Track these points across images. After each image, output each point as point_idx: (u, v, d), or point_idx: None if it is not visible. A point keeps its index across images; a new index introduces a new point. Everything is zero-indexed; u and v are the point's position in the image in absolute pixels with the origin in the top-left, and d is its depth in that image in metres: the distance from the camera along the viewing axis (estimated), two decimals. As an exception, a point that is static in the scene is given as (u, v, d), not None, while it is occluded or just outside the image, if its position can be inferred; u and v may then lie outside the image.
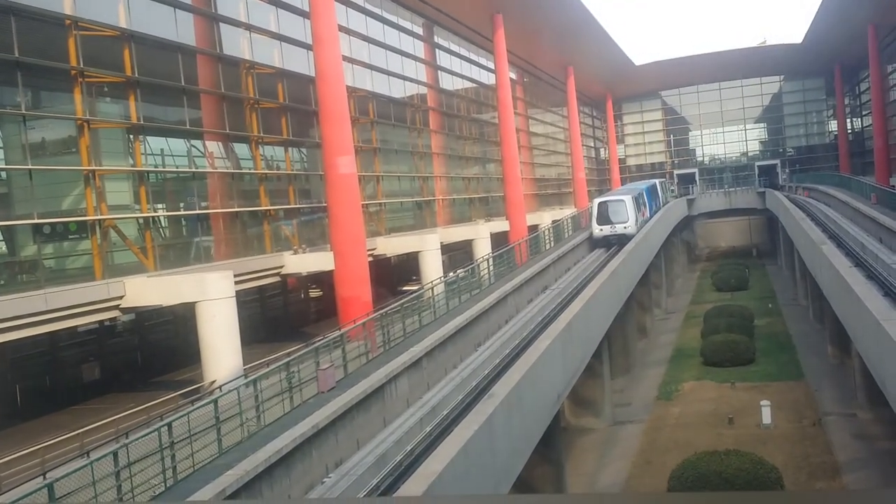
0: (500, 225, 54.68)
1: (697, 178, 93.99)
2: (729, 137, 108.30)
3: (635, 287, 46.48)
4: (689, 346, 48.64)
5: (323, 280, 38.60)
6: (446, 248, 45.01)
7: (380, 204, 44.11)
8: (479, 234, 49.10)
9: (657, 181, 73.39)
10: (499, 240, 50.24)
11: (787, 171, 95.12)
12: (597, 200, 53.80)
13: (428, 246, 40.88)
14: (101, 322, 28.41)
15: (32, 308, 21.60)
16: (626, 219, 51.40)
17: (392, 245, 41.50)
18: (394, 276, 47.03)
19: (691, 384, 40.60)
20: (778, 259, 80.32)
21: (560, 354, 25.87)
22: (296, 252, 34.36)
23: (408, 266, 45.78)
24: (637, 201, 55.01)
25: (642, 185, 65.55)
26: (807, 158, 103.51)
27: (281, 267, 33.50)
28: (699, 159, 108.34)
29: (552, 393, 25.27)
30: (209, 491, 14.57)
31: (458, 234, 49.10)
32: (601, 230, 51.79)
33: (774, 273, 77.06)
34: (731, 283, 68.62)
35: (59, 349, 29.67)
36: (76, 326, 26.20)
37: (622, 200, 52.25)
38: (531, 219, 57.77)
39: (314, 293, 44.65)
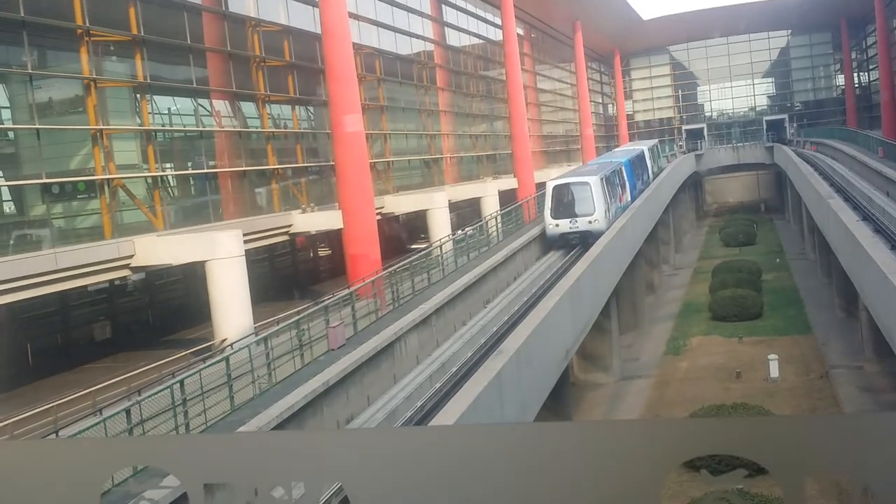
0: (508, 182, 54.56)
1: (706, 133, 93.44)
2: (737, 92, 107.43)
3: (643, 243, 46.46)
4: (697, 301, 48.74)
5: (331, 239, 38.68)
6: (454, 206, 44.97)
7: (387, 162, 44.02)
8: (487, 192, 49.02)
9: (646, 147, 59.79)
10: (507, 197, 50.18)
11: (794, 125, 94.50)
12: (552, 183, 39.54)
13: (436, 204, 40.86)
14: (111, 281, 28.58)
15: (42, 267, 21.70)
16: (592, 209, 37.13)
17: (400, 203, 41.48)
18: (402, 234, 47.08)
19: (699, 339, 40.77)
20: (786, 214, 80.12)
21: (568, 311, 25.97)
22: (304, 211, 34.39)
23: (416, 224, 45.80)
24: (610, 182, 40.95)
25: (622, 156, 51.43)
26: (814, 113, 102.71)
27: (289, 226, 33.55)
28: (707, 115, 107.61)
29: (561, 349, 25.42)
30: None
31: (466, 191, 49.03)
32: (556, 225, 37.75)
33: (782, 228, 76.91)
34: (738, 238, 68.51)
35: (69, 308, 29.88)
36: (87, 286, 26.35)
37: (586, 183, 37.93)
38: (539, 176, 57.59)
39: (323, 252, 44.78)
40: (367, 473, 1.52)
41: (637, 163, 51.69)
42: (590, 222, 37.05)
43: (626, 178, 45.61)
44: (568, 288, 26.18)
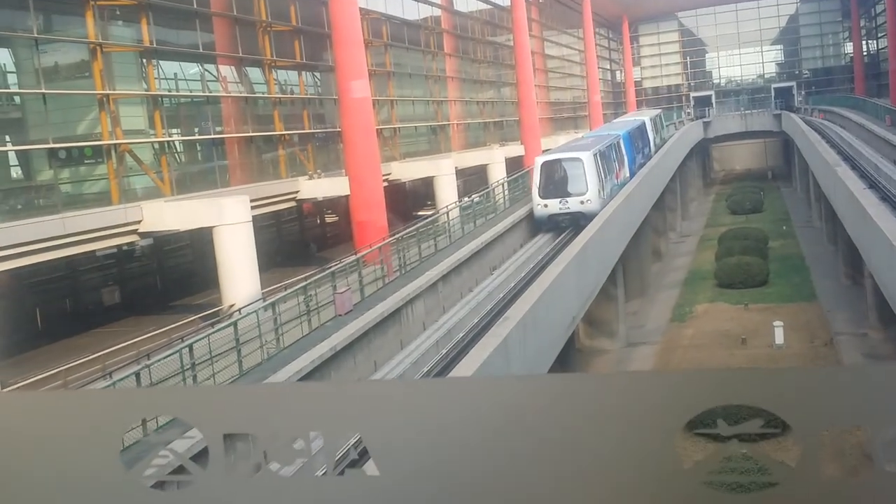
0: (515, 149, 54.38)
1: (714, 100, 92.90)
2: (745, 60, 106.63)
3: (650, 211, 46.39)
4: (703, 268, 48.73)
5: (338, 205, 38.68)
6: (461, 173, 44.89)
7: (394, 129, 43.89)
8: (494, 159, 48.89)
9: (647, 117, 56.54)
10: (514, 165, 50.05)
11: (802, 93, 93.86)
12: (540, 159, 36.57)
13: (442, 171, 40.80)
14: (119, 247, 28.66)
15: (50, 232, 21.75)
16: (585, 188, 34.13)
17: (407, 170, 41.43)
18: (409, 201, 47.05)
19: (705, 306, 40.82)
20: (793, 181, 79.83)
21: (574, 277, 26.01)
22: (311, 177, 34.37)
23: (423, 191, 45.76)
24: (606, 157, 37.85)
25: (621, 127, 47.93)
26: (823, 81, 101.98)
27: (296, 192, 33.55)
28: (715, 82, 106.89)
29: (567, 315, 25.49)
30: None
31: (472, 158, 48.91)
32: (545, 206, 34.70)
33: (789, 195, 76.66)
34: (745, 205, 68.33)
35: (78, 273, 30.01)
36: (95, 251, 26.44)
37: (578, 159, 34.83)
38: (546, 143, 57.39)
39: (330, 218, 44.80)
40: (385, 424, 1.54)
41: (637, 135, 48.62)
42: (582, 202, 33.74)
43: (624, 151, 42.57)
44: (574, 255, 26.19)
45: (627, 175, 42.18)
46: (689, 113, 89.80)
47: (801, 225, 60.62)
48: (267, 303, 21.90)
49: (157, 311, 27.73)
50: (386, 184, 35.97)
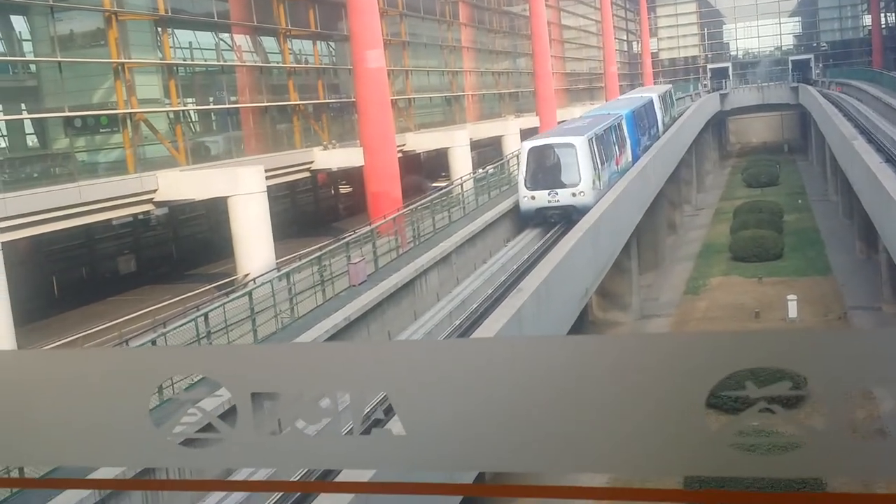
0: (531, 121, 54.13)
1: (731, 72, 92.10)
2: (763, 31, 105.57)
3: (665, 183, 46.17)
4: (717, 241, 48.58)
5: (353, 176, 38.67)
6: (475, 145, 44.75)
7: (409, 99, 43.73)
8: (509, 131, 48.69)
9: (656, 94, 52.25)
10: (529, 136, 49.82)
11: (820, 65, 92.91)
12: (528, 144, 31.89)
13: (457, 142, 40.68)
14: (135, 216, 28.78)
15: (66, 201, 21.85)
16: (577, 178, 29.86)
17: (421, 141, 41.32)
18: (423, 172, 46.98)
19: (719, 279, 40.74)
20: (809, 155, 79.25)
21: (588, 250, 25.97)
22: (325, 148, 34.34)
23: (437, 162, 45.67)
24: (604, 141, 33.70)
25: (624, 106, 43.26)
26: (840, 53, 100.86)
27: (311, 162, 33.55)
28: (733, 53, 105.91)
29: (580, 287, 25.48)
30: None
31: (487, 130, 48.72)
32: (532, 198, 30.39)
33: (805, 169, 76.14)
34: (761, 179, 67.90)
35: (94, 242, 30.18)
36: (111, 220, 26.56)
37: (570, 145, 30.45)
38: (562, 114, 57.09)
39: (344, 189, 44.81)
40: (410, 383, 1.55)
41: (643, 114, 44.63)
42: (574, 195, 29.54)
43: (626, 134, 38.58)
44: (588, 227, 26.14)
45: (630, 160, 38.22)
46: (705, 85, 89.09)
47: (816, 198, 60.26)
48: (281, 272, 21.99)
49: (173, 279, 27.89)
50: (400, 155, 35.90)
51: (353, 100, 34.35)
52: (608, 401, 1.49)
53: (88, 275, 29.67)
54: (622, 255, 33.44)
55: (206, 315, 17.57)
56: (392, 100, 35.98)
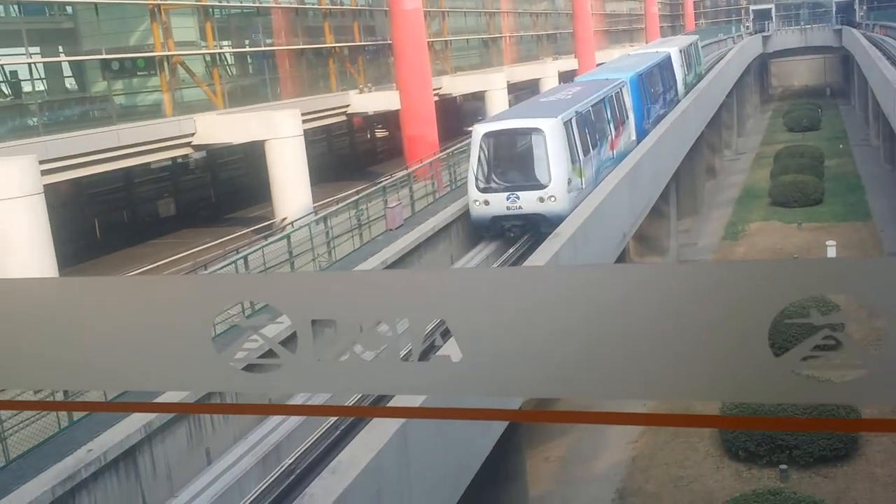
0: (569, 63, 53.43)
1: (774, 14, 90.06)
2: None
3: (705, 128, 45.53)
4: (757, 186, 47.97)
5: (389, 119, 38.56)
6: (513, 88, 44.34)
7: (445, 41, 43.32)
8: (547, 73, 48.17)
9: (676, 48, 41.42)
10: (566, 79, 49.26)
11: (864, 7, 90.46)
12: (481, 128, 22.92)
13: (494, 85, 40.33)
14: (174, 159, 29.00)
15: (105, 144, 22.07)
16: (546, 178, 21.85)
17: (458, 84, 41.01)
18: (459, 115, 46.72)
19: (758, 224, 40.33)
20: (851, 99, 77.65)
21: (626, 194, 25.77)
22: (361, 91, 34.23)
23: (474, 106, 45.36)
24: (589, 122, 25.05)
25: (631, 67, 33.65)
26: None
27: (347, 106, 33.48)
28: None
29: (618, 232, 25.35)
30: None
31: (524, 72, 48.20)
32: (486, 203, 22.23)
33: (847, 113, 74.63)
34: (802, 123, 66.72)
35: (134, 185, 30.50)
36: (150, 163, 26.79)
37: (537, 130, 22.07)
38: (600, 56, 56.26)
39: (380, 133, 44.72)
40: (468, 310, 1.57)
41: (655, 76, 35.35)
42: (541, 199, 21.73)
43: (628, 105, 30.10)
44: (627, 172, 25.90)
45: (633, 138, 29.95)
46: (747, 27, 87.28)
47: (858, 143, 59.16)
48: (318, 216, 22.09)
49: (212, 223, 28.16)
50: (437, 98, 35.69)
51: (389, 42, 34.12)
52: (673, 327, 1.49)
53: (129, 218, 30.04)
54: (660, 200, 33.16)
55: (245, 258, 17.74)
56: (428, 42, 35.67)
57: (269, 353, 1.70)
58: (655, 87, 35.31)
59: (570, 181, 22.36)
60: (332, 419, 13.66)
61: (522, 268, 1.69)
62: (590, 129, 24.94)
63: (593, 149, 25.05)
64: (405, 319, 1.63)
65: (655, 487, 17.87)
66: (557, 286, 1.55)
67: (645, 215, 29.92)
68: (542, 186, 21.84)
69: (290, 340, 1.70)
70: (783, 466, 17.35)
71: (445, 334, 1.70)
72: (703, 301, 1.47)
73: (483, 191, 22.31)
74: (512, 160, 23.01)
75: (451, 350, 1.64)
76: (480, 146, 22.28)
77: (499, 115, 26.12)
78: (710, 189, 49.66)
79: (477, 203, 22.39)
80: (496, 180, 22.38)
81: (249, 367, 1.74)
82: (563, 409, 1.81)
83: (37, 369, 1.91)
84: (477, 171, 22.26)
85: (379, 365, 1.66)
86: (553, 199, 21.82)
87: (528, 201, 21.87)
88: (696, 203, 44.47)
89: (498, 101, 39.68)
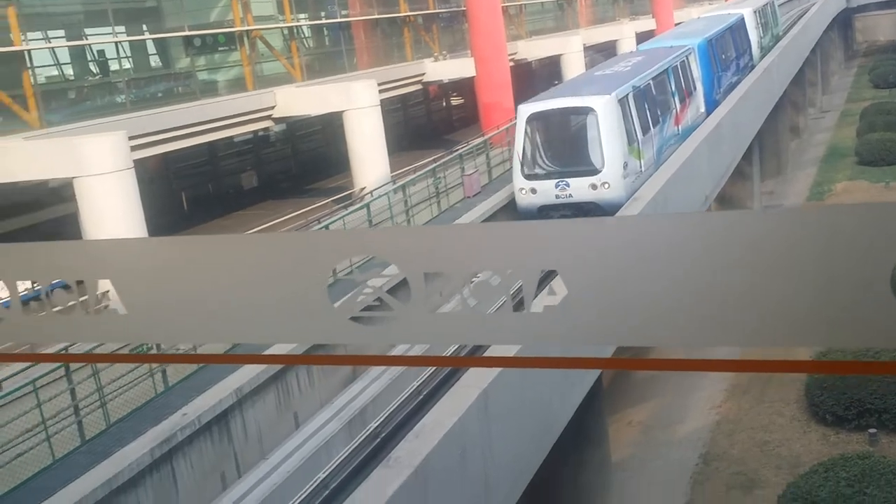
0: (647, 24, 52.44)
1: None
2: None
3: (788, 85, 44.33)
4: (843, 145, 46.63)
5: (464, 87, 38.50)
6: (589, 50, 43.75)
7: (520, 5, 42.94)
8: (624, 34, 47.33)
9: (750, 9, 37.29)
10: (644, 40, 48.39)
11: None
12: (526, 109, 20.68)
13: (570, 48, 39.85)
14: (255, 133, 29.52)
15: (189, 119, 22.59)
16: (600, 162, 19.82)
17: (533, 48, 40.66)
18: (535, 80, 46.36)
19: (844, 184, 39.27)
20: (944, 52, 74.57)
21: (708, 156, 25.36)
22: (436, 59, 34.22)
23: (549, 70, 44.95)
24: (650, 97, 22.86)
25: (698, 33, 30.58)
26: None
27: (422, 75, 33.52)
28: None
29: (699, 194, 24.99)
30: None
31: (601, 34, 47.49)
32: (532, 192, 20.37)
33: (940, 67, 71.73)
34: (889, 79, 64.40)
35: (218, 159, 31.17)
36: (232, 137, 27.33)
37: (589, 110, 20.03)
38: (679, 16, 55.02)
39: (455, 101, 44.69)
40: (580, 260, 1.63)
41: (727, 41, 32.33)
42: (593, 187, 19.80)
43: (694, 75, 27.54)
44: (708, 133, 25.46)
45: (702, 111, 27.68)
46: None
47: (951, 98, 56.93)
48: (396, 185, 22.30)
49: (293, 194, 28.64)
50: (512, 64, 35.48)
51: (463, 9, 33.98)
52: (791, 273, 1.50)
53: (214, 190, 30.74)
54: (743, 161, 32.53)
55: (327, 227, 18.06)
56: (503, 6, 35.39)
57: (383, 306, 1.80)
58: (727, 53, 32.56)
59: (626, 165, 20.11)
60: (415, 383, 13.92)
61: (628, 217, 1.74)
62: (650, 103, 22.68)
63: (654, 126, 22.65)
64: (510, 270, 1.70)
65: (740, 452, 17.73)
66: (663, 234, 1.58)
67: (727, 177, 29.42)
68: (594, 172, 19.78)
69: (400, 293, 1.81)
70: (872, 430, 17.03)
71: (549, 284, 1.77)
72: (823, 245, 1.46)
73: (529, 178, 20.40)
74: (561, 143, 21.01)
75: (551, 300, 1.71)
76: (525, 128, 20.25)
77: (546, 94, 23.16)
78: (795, 149, 48.46)
79: (523, 191, 20.48)
80: (543, 166, 20.35)
81: (362, 320, 1.84)
82: (660, 356, 1.87)
83: (163, 324, 2.04)
84: (522, 156, 20.18)
85: (486, 316, 1.74)
86: (607, 185, 19.77)
87: (578, 189, 19.95)
88: (779, 163, 43.47)
89: (574, 64, 39.23)
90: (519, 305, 1.72)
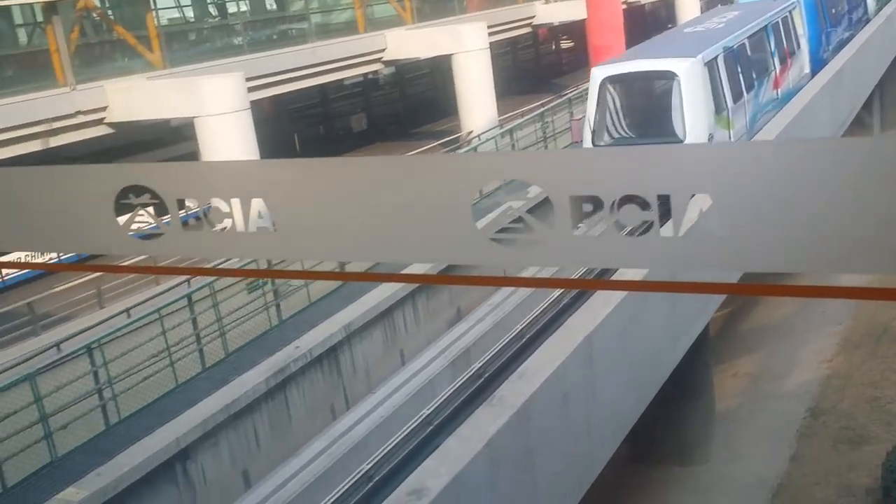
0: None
1: None
2: None
3: (916, 31, 42.10)
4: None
5: (574, 30, 37.86)
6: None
7: (633, -54, 41.78)
8: (743, -26, 45.54)
9: None
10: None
11: None
12: (599, 72, 17.62)
13: (685, -10, 38.70)
14: (365, 76, 29.75)
15: (302, 61, 22.91)
16: (682, 132, 16.71)
17: (646, -9, 39.62)
18: (648, 23, 45.21)
19: (975, 138, 37.34)
20: None
21: (827, 104, 24.43)
22: (547, 2, 33.70)
23: (663, 13, 43.77)
24: (744, 58, 19.95)
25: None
26: None
27: (532, 17, 33.11)
28: None
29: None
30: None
31: (717, -25, 45.82)
32: None
33: None
34: None
35: (329, 101, 31.60)
36: (343, 80, 27.61)
37: (671, 75, 17.13)
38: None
39: (565, 44, 44.01)
40: (732, 185, 1.63)
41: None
42: None
43: (800, 32, 24.54)
44: (827, 80, 24.49)
45: (805, 73, 24.70)
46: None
47: None
48: (504, 129, 22.24)
49: (401, 137, 28.88)
50: (624, 6, 34.65)
51: (575, -50, 33.27)
52: None
53: (325, 132, 31.23)
54: (863, 111, 31.21)
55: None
56: (617, -52, 34.47)
57: (525, 227, 1.85)
58: (838, 6, 29.49)
59: (711, 136, 17.57)
60: (519, 326, 13.99)
61: (785, 141, 1.73)
62: (744, 66, 19.91)
63: (748, 91, 19.93)
64: (653, 193, 1.72)
65: (850, 407, 17.31)
66: (820, 158, 1.58)
67: (846, 127, 28.31)
68: (675, 143, 16.30)
69: (541, 216, 1.85)
70: None
71: (699, 208, 1.77)
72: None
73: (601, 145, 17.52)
74: (639, 111, 18.37)
75: (718, 224, 1.69)
76: (599, 94, 17.64)
77: (625, 55, 20.64)
78: (920, 99, 46.13)
79: None
80: (619, 136, 17.72)
81: (503, 241, 1.89)
82: (783, 282, 1.88)
83: (310, 242, 2.14)
84: (595, 124, 17.54)
85: (640, 241, 1.76)
86: None
87: None
88: (903, 114, 41.50)
89: (689, 7, 38.09)
90: (678, 230, 1.72)
